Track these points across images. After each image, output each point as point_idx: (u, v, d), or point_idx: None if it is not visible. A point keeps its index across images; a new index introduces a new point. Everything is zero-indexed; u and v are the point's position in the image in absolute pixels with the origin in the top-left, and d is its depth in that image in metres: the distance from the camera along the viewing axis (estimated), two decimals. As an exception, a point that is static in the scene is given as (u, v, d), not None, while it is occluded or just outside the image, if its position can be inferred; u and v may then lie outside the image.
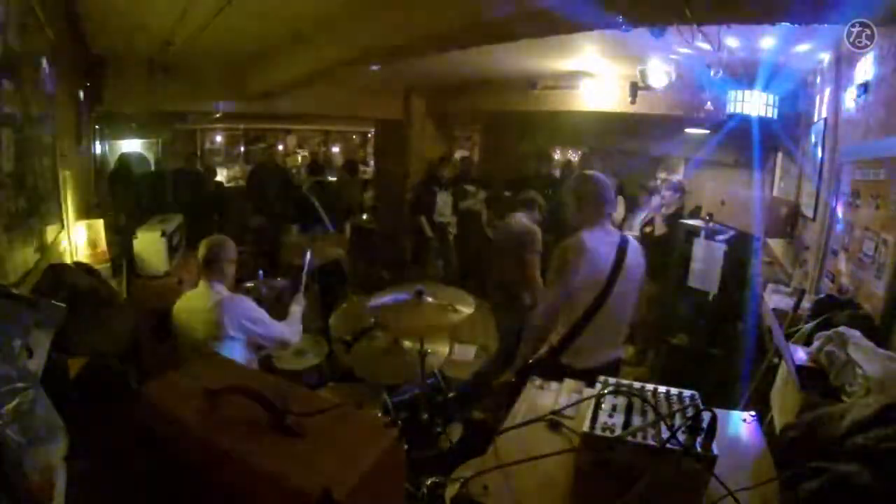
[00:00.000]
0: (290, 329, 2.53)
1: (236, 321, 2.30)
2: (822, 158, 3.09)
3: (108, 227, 3.16)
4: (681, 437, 0.99)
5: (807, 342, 2.00)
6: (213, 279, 2.41)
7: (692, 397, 1.14)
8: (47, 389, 1.15)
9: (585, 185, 2.32)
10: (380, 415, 2.44)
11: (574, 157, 7.88)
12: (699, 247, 3.59)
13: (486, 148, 8.49)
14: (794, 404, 1.65)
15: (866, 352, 1.65)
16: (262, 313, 2.41)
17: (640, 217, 5.23)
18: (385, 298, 2.47)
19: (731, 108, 3.67)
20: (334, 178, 7.57)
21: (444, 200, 6.03)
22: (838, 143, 2.87)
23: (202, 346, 2.32)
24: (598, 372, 1.71)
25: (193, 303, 2.43)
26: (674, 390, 1.18)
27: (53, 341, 1.25)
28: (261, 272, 3.47)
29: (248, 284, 3.28)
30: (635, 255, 2.27)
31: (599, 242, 2.19)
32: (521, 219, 3.59)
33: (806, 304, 2.50)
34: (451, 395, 2.83)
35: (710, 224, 3.72)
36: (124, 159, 6.36)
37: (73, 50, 3.29)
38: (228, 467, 1.13)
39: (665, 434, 1.00)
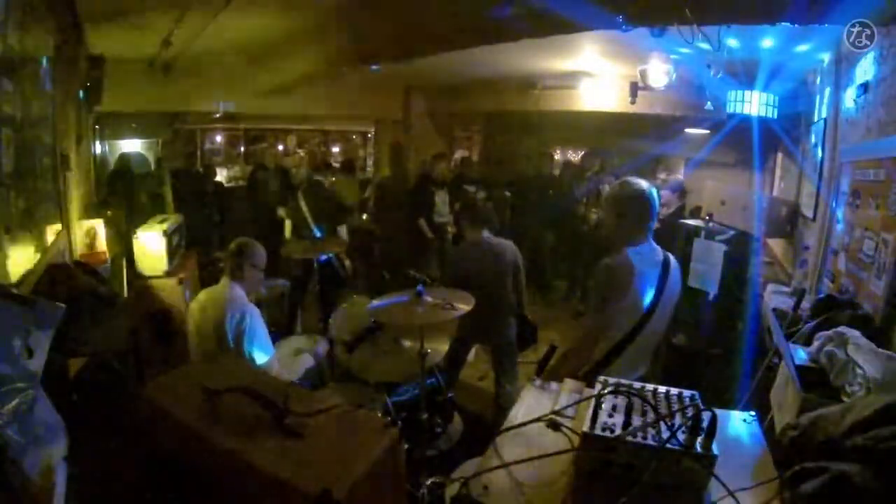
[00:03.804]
0: (278, 367, 2.49)
1: (232, 328, 2.31)
2: (822, 158, 3.09)
3: (108, 227, 3.16)
4: (681, 437, 0.99)
5: (807, 342, 2.00)
6: (233, 279, 2.45)
7: (692, 397, 1.14)
8: (47, 389, 1.15)
9: (628, 194, 2.07)
10: (380, 415, 2.44)
11: (574, 157, 7.88)
12: (699, 247, 3.59)
13: (486, 148, 8.49)
14: (794, 404, 1.65)
15: (866, 352, 1.65)
16: (260, 334, 2.41)
17: None
18: (385, 301, 2.48)
19: (731, 108, 3.67)
20: (333, 179, 7.57)
21: (441, 199, 6.01)
22: (838, 143, 2.87)
23: (207, 342, 2.34)
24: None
25: (208, 297, 2.46)
26: (674, 390, 1.18)
27: (53, 341, 1.24)
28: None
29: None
30: (676, 274, 2.13)
31: (646, 263, 2.03)
32: (493, 238, 3.32)
33: (806, 304, 2.50)
34: (450, 395, 2.84)
35: (710, 224, 3.72)
36: (124, 159, 6.36)
37: (73, 50, 3.29)
38: (228, 467, 1.13)
39: (665, 434, 1.00)
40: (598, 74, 5.17)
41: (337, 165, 7.83)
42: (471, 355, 3.94)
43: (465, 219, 3.37)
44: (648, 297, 2.02)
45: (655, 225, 2.11)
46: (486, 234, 3.28)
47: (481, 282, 3.05)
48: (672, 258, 2.15)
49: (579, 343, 2.10)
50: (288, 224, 4.83)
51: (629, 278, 1.98)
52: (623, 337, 2.03)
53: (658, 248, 2.14)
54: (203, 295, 2.53)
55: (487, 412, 3.58)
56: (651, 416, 1.07)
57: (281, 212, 5.15)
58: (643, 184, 2.09)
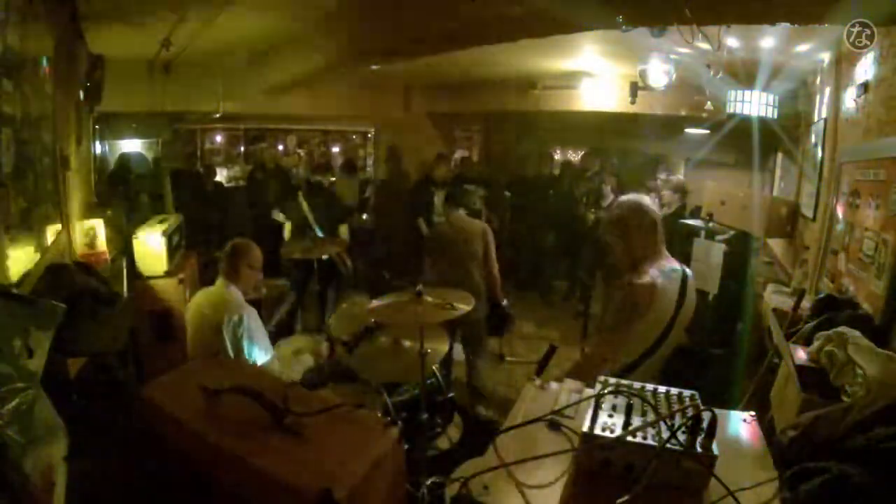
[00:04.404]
0: (279, 367, 2.49)
1: (231, 330, 2.30)
2: (822, 158, 3.09)
3: (108, 227, 3.16)
4: (681, 437, 0.99)
5: (807, 342, 2.00)
6: (229, 280, 2.44)
7: (692, 397, 1.14)
8: (47, 389, 1.15)
9: (640, 212, 2.04)
10: (380, 415, 2.44)
11: (574, 157, 7.88)
12: (699, 247, 3.59)
13: (486, 148, 8.49)
14: (794, 404, 1.65)
15: (866, 352, 1.65)
16: (259, 334, 2.40)
17: None
18: (385, 301, 2.48)
19: (731, 108, 3.67)
20: (334, 179, 7.56)
21: (441, 199, 6.02)
22: (838, 143, 2.87)
23: (205, 344, 2.34)
24: None
25: (205, 299, 2.46)
26: (674, 390, 1.18)
27: (53, 341, 1.24)
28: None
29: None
30: (693, 289, 2.11)
31: (668, 281, 1.99)
32: (466, 217, 3.83)
33: (806, 304, 2.50)
34: (451, 395, 2.84)
35: (710, 224, 3.72)
36: (124, 159, 6.36)
37: (73, 50, 3.28)
38: (229, 467, 1.13)
39: (665, 434, 1.00)
40: (598, 74, 5.17)
41: (336, 166, 7.81)
42: (471, 355, 3.95)
43: (447, 201, 4.04)
44: (668, 315, 2.00)
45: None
46: (461, 212, 3.82)
47: (450, 252, 3.66)
48: (689, 272, 2.11)
49: (593, 359, 2.06)
50: (288, 224, 4.83)
51: (651, 298, 1.94)
52: (640, 354, 2.00)
53: (675, 262, 2.11)
54: (200, 296, 2.52)
55: (487, 412, 3.59)
56: (651, 416, 1.07)
57: (278, 216, 5.15)
58: (638, 197, 2.13)
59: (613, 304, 2.07)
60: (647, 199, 2.13)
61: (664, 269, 2.02)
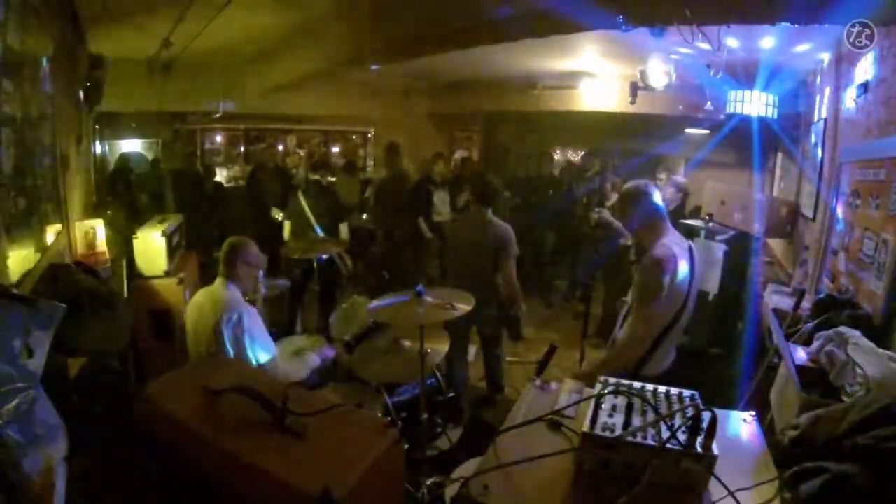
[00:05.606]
0: (282, 366, 2.47)
1: (230, 329, 2.29)
2: (822, 158, 3.09)
3: (108, 227, 3.16)
4: (681, 437, 0.99)
5: (807, 342, 2.00)
6: (227, 279, 2.43)
7: (692, 397, 1.14)
8: (47, 389, 1.15)
9: (639, 196, 2.21)
10: (380, 415, 2.44)
11: (574, 157, 7.87)
12: (699, 247, 3.59)
13: (486, 148, 8.49)
14: (794, 404, 1.65)
15: (866, 352, 1.65)
16: (259, 333, 2.39)
17: None
18: (385, 301, 2.47)
19: (731, 108, 3.67)
20: (334, 179, 7.56)
21: (441, 199, 6.02)
22: (838, 143, 2.87)
23: (205, 343, 2.33)
24: (668, 373, 1.95)
25: (204, 298, 2.45)
26: (674, 390, 1.18)
27: (53, 341, 1.24)
28: (261, 273, 3.46)
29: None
30: (698, 259, 2.25)
31: (681, 253, 2.13)
32: (492, 218, 3.55)
33: (806, 304, 2.50)
34: (450, 395, 2.84)
35: (710, 224, 3.72)
36: (124, 159, 6.36)
37: (73, 50, 3.29)
38: (229, 467, 1.13)
39: (665, 434, 1.00)
40: (598, 74, 5.17)
41: (339, 165, 7.81)
42: (471, 355, 3.94)
43: (472, 194, 3.75)
44: (686, 284, 2.11)
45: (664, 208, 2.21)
46: (487, 212, 3.54)
47: (468, 249, 3.52)
48: (693, 245, 2.27)
49: (640, 339, 2.13)
50: (288, 224, 4.82)
51: (674, 267, 2.07)
52: (667, 324, 2.11)
53: (679, 235, 2.24)
54: (199, 295, 2.51)
55: (487, 412, 3.59)
56: (651, 416, 1.07)
57: (278, 215, 5.15)
58: (633, 183, 2.28)
59: (640, 283, 2.15)
60: (642, 182, 2.27)
61: (676, 242, 2.15)
